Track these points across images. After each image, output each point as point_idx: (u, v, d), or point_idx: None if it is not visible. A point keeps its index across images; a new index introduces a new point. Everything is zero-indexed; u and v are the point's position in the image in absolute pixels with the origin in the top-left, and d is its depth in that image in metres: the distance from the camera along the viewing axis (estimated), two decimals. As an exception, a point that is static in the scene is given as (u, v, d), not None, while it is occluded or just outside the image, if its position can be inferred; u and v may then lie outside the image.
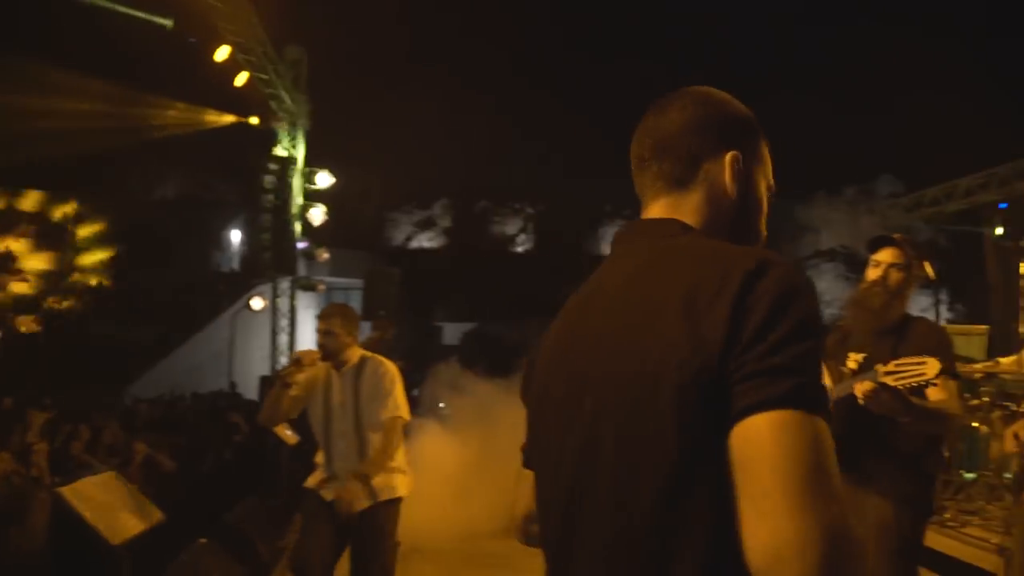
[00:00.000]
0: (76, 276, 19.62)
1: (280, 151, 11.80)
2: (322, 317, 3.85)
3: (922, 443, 2.66)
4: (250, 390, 14.54)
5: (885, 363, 2.37)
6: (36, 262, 19.57)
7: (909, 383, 2.30)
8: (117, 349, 18.34)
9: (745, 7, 30.19)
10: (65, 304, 18.94)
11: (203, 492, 7.42)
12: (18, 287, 18.68)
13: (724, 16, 29.74)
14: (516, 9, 25.45)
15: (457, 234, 26.93)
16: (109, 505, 3.52)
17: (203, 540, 4.45)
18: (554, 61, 28.27)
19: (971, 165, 11.42)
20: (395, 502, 3.78)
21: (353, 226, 19.80)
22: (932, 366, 2.27)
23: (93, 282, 19.69)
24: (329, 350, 3.78)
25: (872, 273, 2.76)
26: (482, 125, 24.25)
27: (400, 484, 3.80)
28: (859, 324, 2.83)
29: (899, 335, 2.70)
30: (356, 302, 23.00)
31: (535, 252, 27.23)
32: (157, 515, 3.75)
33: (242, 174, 18.24)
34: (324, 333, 3.79)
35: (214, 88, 12.21)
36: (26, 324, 17.83)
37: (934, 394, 2.46)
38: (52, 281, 19.22)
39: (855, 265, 24.92)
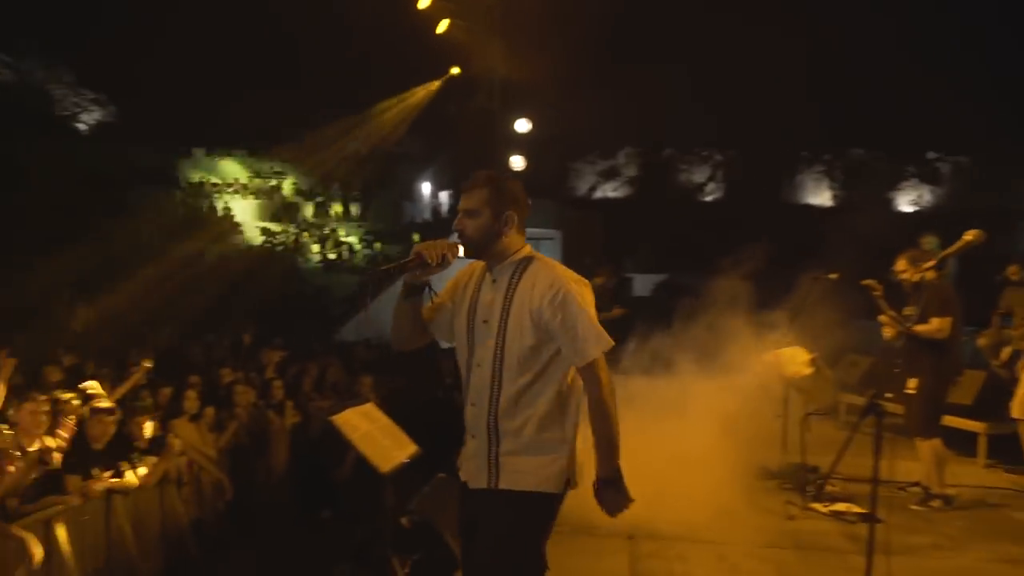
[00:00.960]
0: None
1: (479, 101, 11.89)
2: (465, 190, 2.59)
3: None
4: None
5: None
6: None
7: None
8: (323, 296, 19.64)
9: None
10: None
11: (422, 431, 7.69)
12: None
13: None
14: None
15: (643, 183, 26.30)
16: (374, 434, 3.59)
17: (442, 475, 4.52)
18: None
19: None
20: (530, 498, 2.48)
21: (538, 176, 19.78)
22: None
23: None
24: (471, 239, 2.55)
25: None
26: (666, 71, 23.30)
27: (545, 471, 2.48)
28: None
29: None
30: (549, 252, 23.05)
31: (725, 201, 26.07)
32: (412, 447, 3.78)
33: (432, 124, 18.67)
34: (465, 213, 2.56)
35: (413, 42, 12.48)
36: None
37: None
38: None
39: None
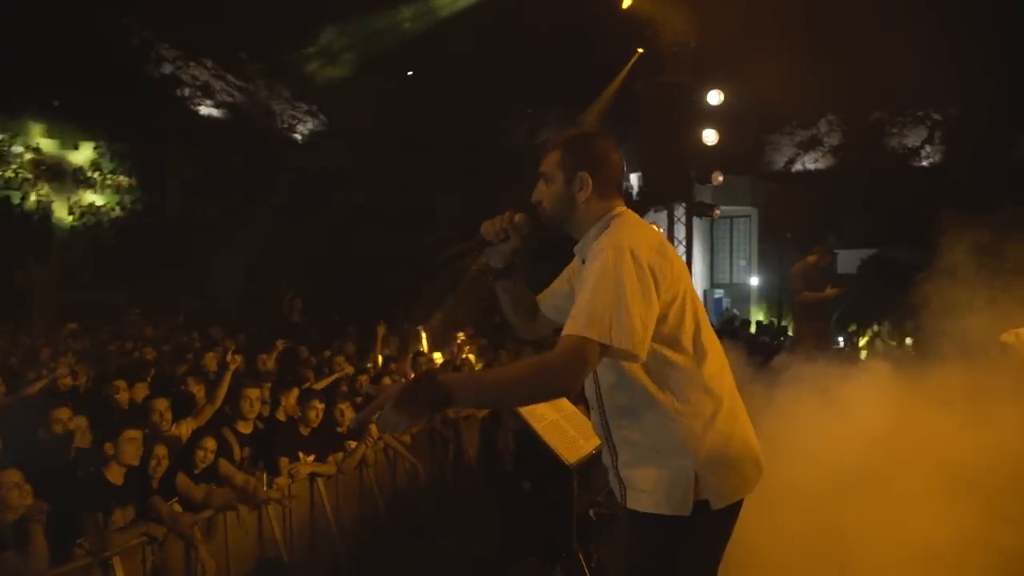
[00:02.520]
0: None
1: (669, 74, 11.40)
2: (541, 153, 2.27)
3: None
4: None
5: None
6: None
7: None
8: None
9: None
10: None
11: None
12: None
13: None
14: None
15: (847, 151, 24.29)
16: (560, 424, 3.45)
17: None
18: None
19: None
20: (650, 520, 2.12)
21: (732, 151, 18.89)
22: None
23: None
24: (544, 208, 2.22)
25: None
26: (870, 25, 21.27)
27: (664, 490, 2.08)
28: None
29: None
30: (744, 229, 22.10)
31: (943, 164, 23.48)
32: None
33: (617, 104, 18.29)
34: (540, 178, 2.24)
35: (598, 19, 12.22)
36: None
37: None
38: None
39: None
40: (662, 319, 2.03)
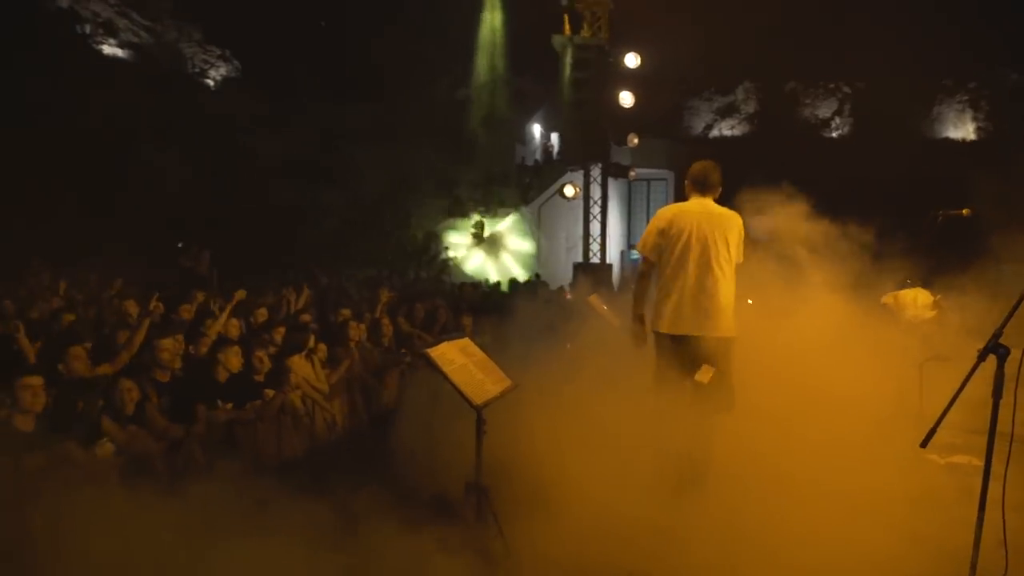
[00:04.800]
0: None
1: (586, 34, 11.51)
2: None
3: None
4: (552, 277, 15.04)
5: None
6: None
7: None
8: (432, 240, 20.01)
9: None
10: None
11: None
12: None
13: None
14: None
15: (763, 119, 25.08)
16: (468, 368, 3.63)
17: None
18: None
19: None
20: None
21: (650, 115, 19.23)
22: None
23: None
24: None
25: None
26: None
27: None
28: None
29: None
30: (661, 192, 22.56)
31: (853, 136, 24.54)
32: (507, 381, 3.80)
33: (542, 64, 18.37)
34: None
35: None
36: None
37: None
38: None
39: None
40: (659, 246, 4.55)
